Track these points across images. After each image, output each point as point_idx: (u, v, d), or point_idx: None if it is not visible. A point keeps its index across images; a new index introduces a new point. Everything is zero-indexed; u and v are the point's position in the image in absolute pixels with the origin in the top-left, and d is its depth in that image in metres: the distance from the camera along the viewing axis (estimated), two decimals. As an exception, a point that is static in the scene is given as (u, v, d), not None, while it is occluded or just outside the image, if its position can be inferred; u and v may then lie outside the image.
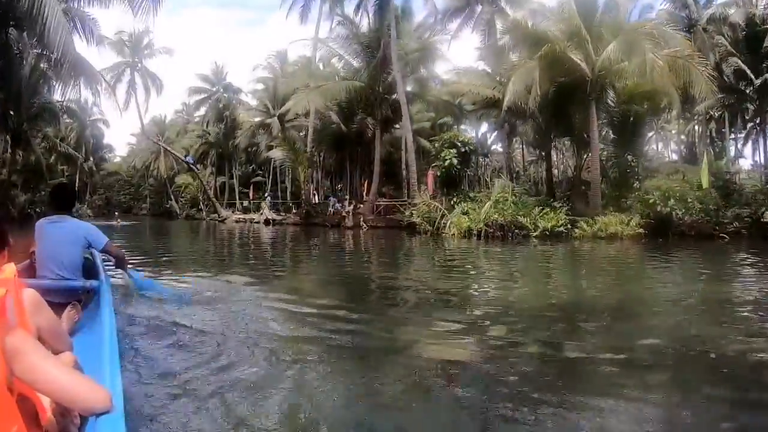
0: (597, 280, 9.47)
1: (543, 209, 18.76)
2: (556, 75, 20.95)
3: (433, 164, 22.05)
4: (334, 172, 42.02)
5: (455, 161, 20.65)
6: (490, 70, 27.37)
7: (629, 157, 21.94)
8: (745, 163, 42.48)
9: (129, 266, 5.20)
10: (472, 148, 21.83)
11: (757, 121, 36.18)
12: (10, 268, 1.47)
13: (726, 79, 27.26)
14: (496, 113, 27.10)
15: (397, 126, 33.00)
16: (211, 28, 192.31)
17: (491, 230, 17.61)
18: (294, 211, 36.13)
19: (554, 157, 50.66)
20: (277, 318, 5.58)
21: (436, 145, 22.73)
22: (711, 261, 12.34)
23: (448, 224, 18.13)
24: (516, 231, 17.92)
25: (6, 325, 1.37)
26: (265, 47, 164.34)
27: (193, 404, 2.96)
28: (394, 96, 29.89)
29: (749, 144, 42.26)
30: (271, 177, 45.07)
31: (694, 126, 41.74)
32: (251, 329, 4.86)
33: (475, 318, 5.89)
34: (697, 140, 43.28)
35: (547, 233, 18.03)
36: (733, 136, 40.37)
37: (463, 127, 38.56)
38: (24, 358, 1.36)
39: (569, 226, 18.69)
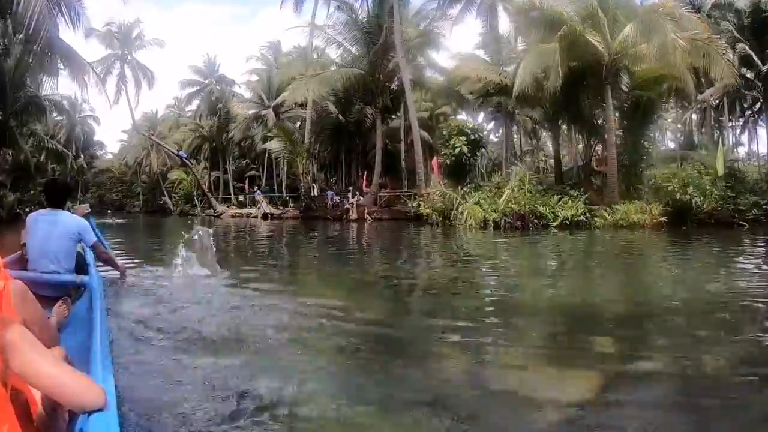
0: (653, 273, 8.27)
1: (561, 198, 17.57)
2: (569, 58, 19.76)
3: (442, 152, 20.62)
4: (328, 164, 40.36)
5: (465, 149, 19.32)
6: (489, 58, 26.11)
7: (645, 143, 20.75)
8: (741, 151, 42.08)
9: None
10: (481, 135, 20.47)
11: (756, 108, 35.54)
12: None
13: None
14: (497, 101, 25.98)
15: (395, 116, 31.60)
16: (201, 24, 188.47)
17: (510, 220, 16.34)
18: (291, 204, 34.66)
19: (551, 146, 49.82)
20: (305, 326, 4.33)
21: (444, 132, 21.39)
22: (749, 250, 11.26)
23: (465, 215, 16.71)
24: (535, 221, 16.70)
25: (3, 319, 1.34)
26: (256, 42, 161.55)
27: (188, 403, 2.66)
28: (393, 85, 28.57)
29: (745, 133, 41.83)
30: (265, 171, 43.39)
31: (691, 115, 41.33)
32: (268, 334, 4.02)
33: (558, 327, 4.63)
34: (694, 129, 42.82)
35: (567, 222, 16.88)
36: (731, 123, 39.76)
37: (460, 116, 37.37)
38: (21, 353, 1.31)
39: (588, 214, 17.61)
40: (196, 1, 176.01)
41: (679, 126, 42.89)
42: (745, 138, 43.33)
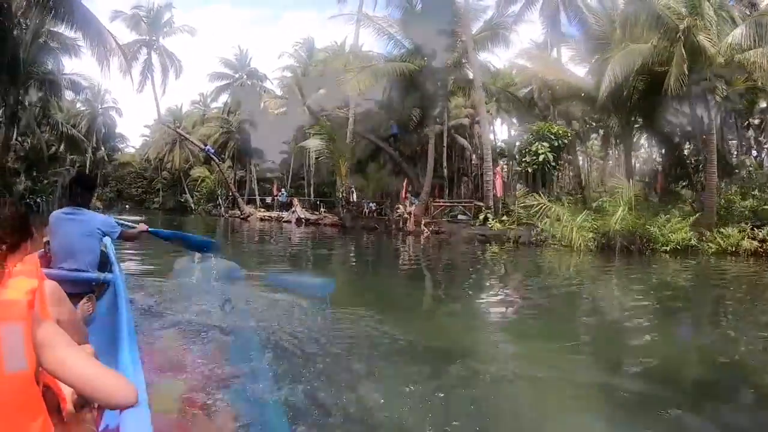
0: None
1: (668, 218, 14.62)
2: (662, 62, 16.99)
3: (522, 160, 17.56)
4: (351, 166, 36.94)
5: (550, 156, 16.34)
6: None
7: (747, 161, 17.87)
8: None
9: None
10: (566, 141, 17.44)
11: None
12: (33, 260, 1.43)
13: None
14: (537, 110, 23.15)
15: (437, 121, 28.53)
16: (224, 26, 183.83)
17: (624, 243, 13.35)
18: (323, 209, 31.55)
19: (581, 161, 46.91)
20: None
21: (525, 137, 18.41)
22: None
23: (573, 235, 13.62)
24: (644, 244, 13.73)
25: (35, 317, 1.25)
26: (283, 44, 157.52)
27: (216, 401, 2.56)
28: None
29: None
30: (291, 173, 40.20)
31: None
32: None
33: None
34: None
35: (678, 247, 13.94)
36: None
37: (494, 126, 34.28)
38: (53, 351, 1.25)
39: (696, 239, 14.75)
40: (217, 3, 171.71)
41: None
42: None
